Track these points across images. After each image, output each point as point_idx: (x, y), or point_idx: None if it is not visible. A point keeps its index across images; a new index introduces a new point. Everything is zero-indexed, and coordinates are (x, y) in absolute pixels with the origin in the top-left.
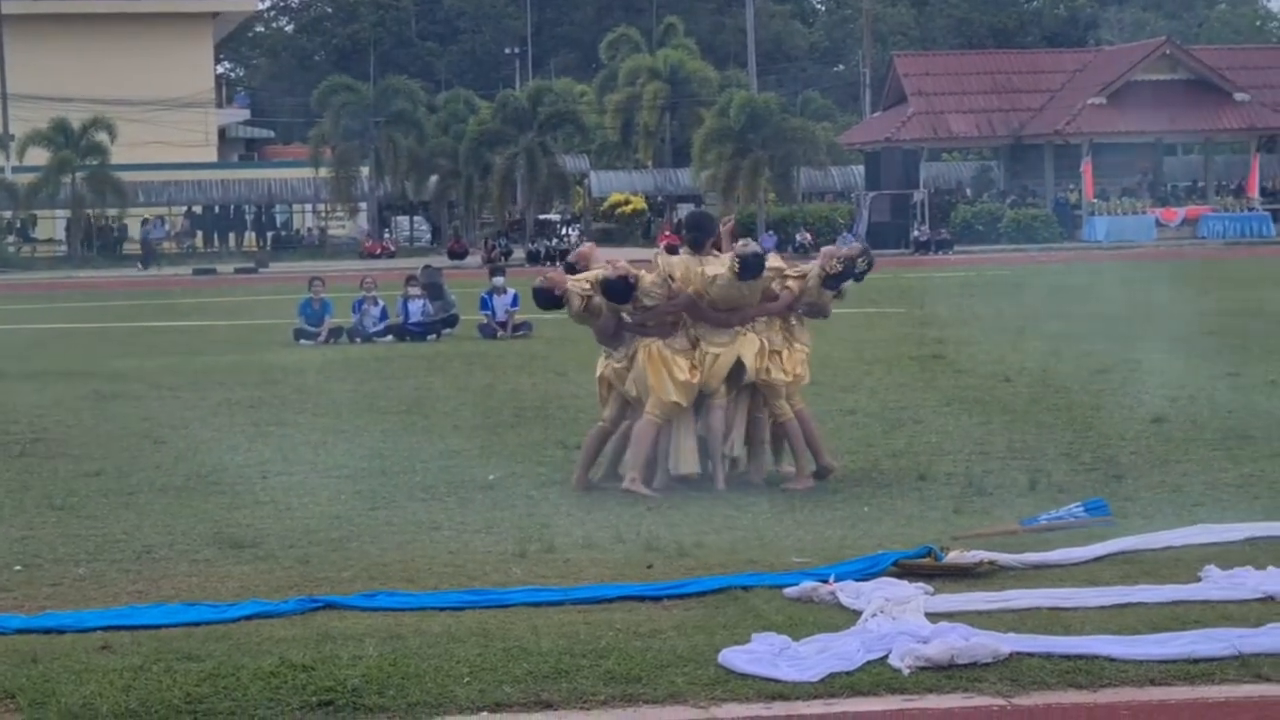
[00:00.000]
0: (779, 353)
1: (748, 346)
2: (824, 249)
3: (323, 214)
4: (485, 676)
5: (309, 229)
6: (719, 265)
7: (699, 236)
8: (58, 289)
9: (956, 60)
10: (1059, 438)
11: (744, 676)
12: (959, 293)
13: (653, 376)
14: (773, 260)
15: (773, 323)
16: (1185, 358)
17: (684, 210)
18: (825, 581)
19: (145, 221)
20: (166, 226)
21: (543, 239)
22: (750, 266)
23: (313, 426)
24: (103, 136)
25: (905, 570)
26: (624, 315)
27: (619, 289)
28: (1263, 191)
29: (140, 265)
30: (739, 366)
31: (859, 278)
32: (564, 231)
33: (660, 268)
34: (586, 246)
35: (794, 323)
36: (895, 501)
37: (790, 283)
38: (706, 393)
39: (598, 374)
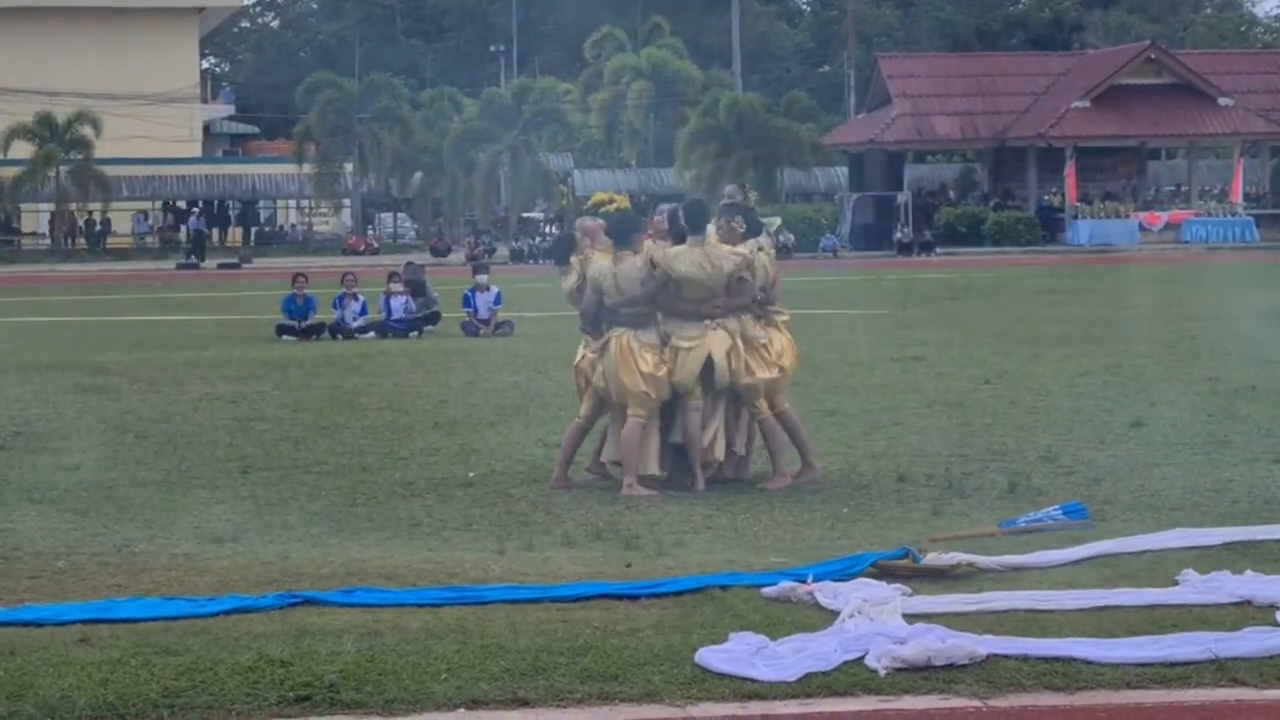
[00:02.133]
0: (765, 346)
1: (718, 343)
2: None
3: (307, 210)
4: (462, 673)
5: (293, 225)
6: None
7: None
8: (41, 282)
9: (941, 62)
10: (1038, 441)
11: (721, 676)
12: (941, 295)
13: (622, 368)
14: (741, 248)
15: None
16: (1166, 362)
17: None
18: (803, 582)
19: (196, 214)
20: (149, 221)
21: (526, 237)
22: (693, 213)
23: (294, 422)
24: (87, 130)
25: (883, 571)
26: (604, 299)
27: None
28: (1246, 196)
29: (187, 256)
30: (711, 368)
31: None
32: (547, 230)
33: (645, 250)
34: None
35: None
36: (874, 503)
37: (745, 272)
38: (681, 392)
39: (574, 363)
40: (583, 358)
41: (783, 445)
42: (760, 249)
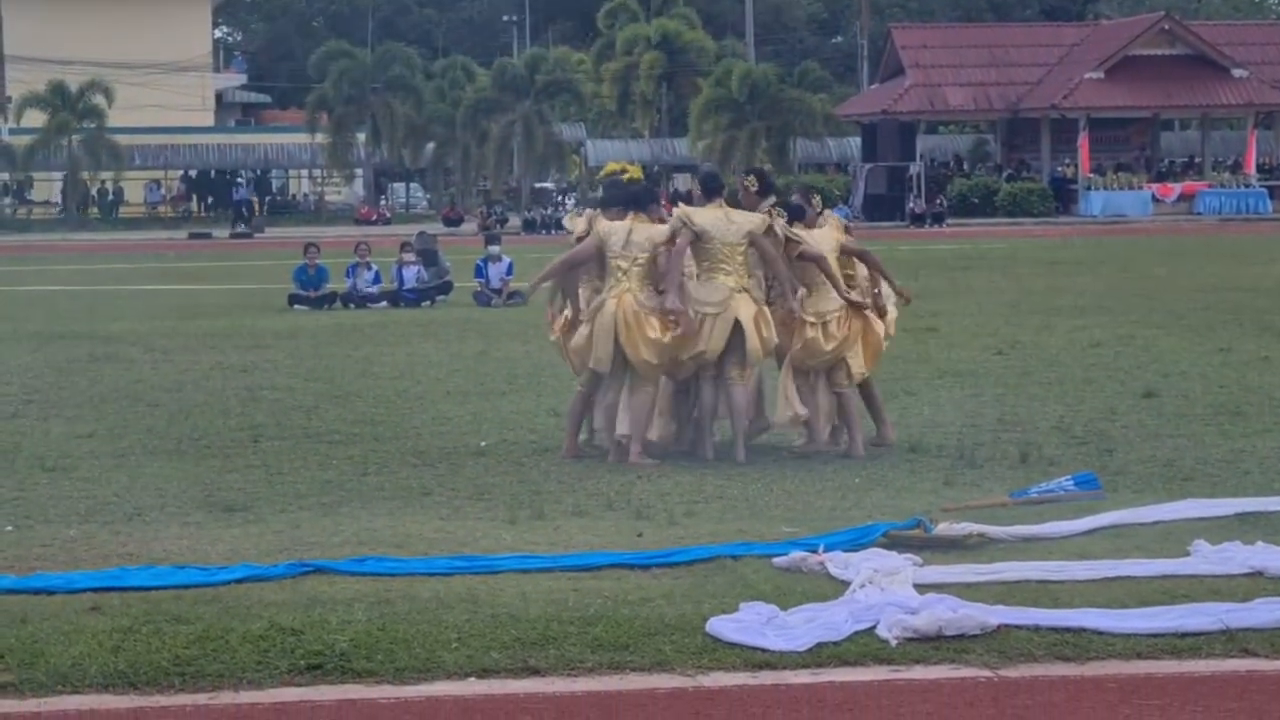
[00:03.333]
0: (836, 320)
1: (744, 308)
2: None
3: (319, 180)
4: (473, 642)
5: (305, 194)
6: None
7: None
8: (55, 251)
9: (954, 33)
10: (1050, 411)
11: (731, 645)
12: (953, 266)
13: (625, 336)
14: (778, 222)
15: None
16: (1178, 333)
17: (679, 180)
18: (814, 552)
19: (241, 184)
20: (162, 190)
21: (538, 207)
22: (708, 180)
23: (305, 391)
24: (100, 99)
25: (895, 541)
26: (606, 253)
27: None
28: (1259, 168)
29: (235, 226)
30: (740, 338)
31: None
32: (559, 200)
33: (675, 214)
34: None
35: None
36: (886, 473)
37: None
38: (702, 363)
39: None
40: (564, 320)
41: (858, 420)
42: (833, 223)
